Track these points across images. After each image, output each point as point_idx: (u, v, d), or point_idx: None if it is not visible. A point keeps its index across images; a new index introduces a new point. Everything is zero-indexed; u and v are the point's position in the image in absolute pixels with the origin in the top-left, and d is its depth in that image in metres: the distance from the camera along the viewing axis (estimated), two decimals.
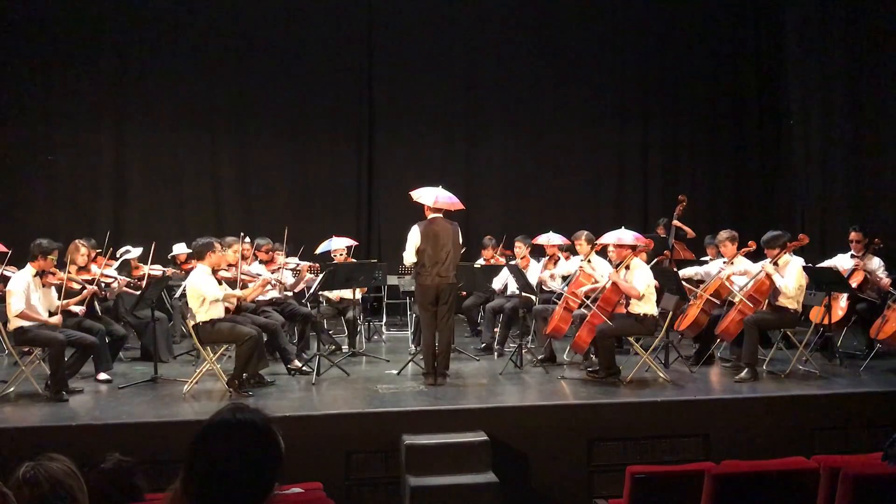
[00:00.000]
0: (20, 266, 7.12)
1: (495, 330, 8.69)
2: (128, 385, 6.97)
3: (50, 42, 11.33)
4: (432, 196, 7.06)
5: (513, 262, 8.60)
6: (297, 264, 8.50)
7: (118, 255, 8.50)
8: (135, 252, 8.58)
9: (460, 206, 7.23)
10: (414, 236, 6.94)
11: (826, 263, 8.21)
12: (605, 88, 12.79)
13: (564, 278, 8.37)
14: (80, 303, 7.25)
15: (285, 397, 6.62)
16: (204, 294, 6.73)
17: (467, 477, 5.59)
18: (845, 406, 6.42)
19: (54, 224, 10.95)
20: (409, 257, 7.01)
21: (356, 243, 9.83)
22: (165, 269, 8.66)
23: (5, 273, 7.47)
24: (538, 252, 9.22)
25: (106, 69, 11.59)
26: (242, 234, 8.15)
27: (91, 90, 11.55)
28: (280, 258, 8.61)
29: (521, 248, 8.90)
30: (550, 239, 8.81)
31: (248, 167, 12.13)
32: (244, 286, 7.48)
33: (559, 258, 8.76)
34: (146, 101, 11.70)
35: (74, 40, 11.42)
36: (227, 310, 7.00)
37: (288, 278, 8.47)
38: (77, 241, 7.67)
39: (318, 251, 9.44)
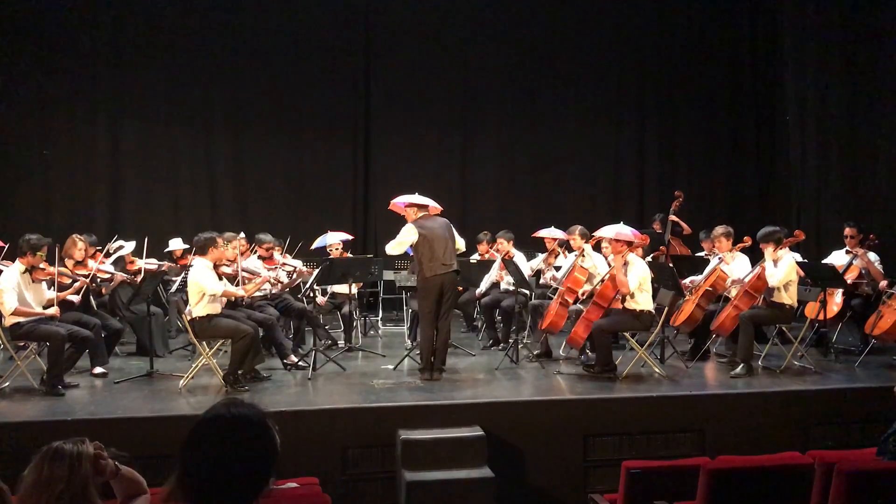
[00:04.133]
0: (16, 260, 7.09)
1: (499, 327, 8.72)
2: (123, 380, 6.97)
3: (45, 36, 11.28)
4: (410, 198, 7.14)
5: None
6: (296, 268, 8.48)
7: (111, 251, 8.48)
8: (128, 247, 8.55)
9: (437, 208, 7.25)
10: (409, 232, 6.92)
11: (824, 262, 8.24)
12: (601, 85, 12.77)
13: (557, 268, 8.38)
14: (76, 292, 7.24)
15: (281, 392, 6.63)
16: (204, 289, 6.71)
17: (463, 472, 5.60)
18: (840, 401, 6.44)
19: (49, 218, 10.95)
20: (394, 248, 6.95)
21: (352, 237, 9.84)
22: (161, 264, 8.64)
23: (0, 267, 7.44)
24: (538, 246, 9.20)
25: (101, 63, 11.55)
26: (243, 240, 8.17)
27: (86, 84, 11.51)
28: (278, 256, 8.60)
29: (503, 244, 8.85)
30: (552, 232, 8.80)
31: (243, 162, 12.11)
32: (244, 282, 7.46)
33: (558, 253, 8.75)
34: (141, 96, 11.66)
35: (70, 34, 11.37)
36: (224, 303, 7.00)
37: (283, 277, 8.47)
38: (74, 235, 7.65)
39: (313, 247, 9.44)
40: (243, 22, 11.88)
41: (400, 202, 7.25)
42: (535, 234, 9.04)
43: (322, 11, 12.02)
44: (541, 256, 8.94)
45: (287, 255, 8.98)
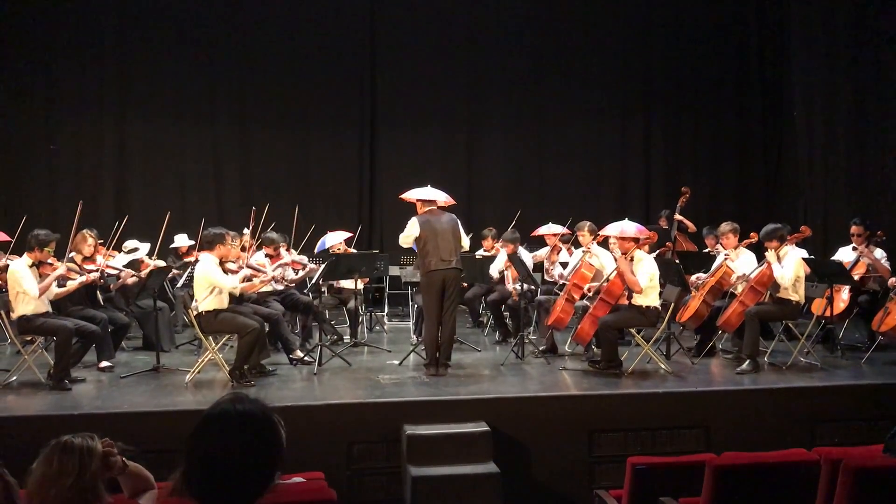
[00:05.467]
0: (22, 255, 7.11)
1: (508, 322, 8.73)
2: (130, 374, 6.99)
3: (52, 32, 11.33)
4: (419, 193, 7.16)
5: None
6: (304, 266, 8.47)
7: (125, 250, 8.50)
8: (143, 250, 8.57)
9: (449, 200, 7.27)
10: (412, 226, 7.00)
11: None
12: (607, 80, 12.75)
13: (564, 265, 8.37)
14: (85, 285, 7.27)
15: (287, 387, 6.64)
16: (216, 282, 6.69)
17: (468, 467, 5.60)
18: (846, 398, 6.42)
19: (55, 213, 10.97)
20: (403, 241, 7.14)
21: (351, 234, 9.82)
22: (171, 267, 8.63)
23: (7, 262, 7.47)
24: (539, 243, 9.20)
25: (108, 59, 11.59)
26: (253, 213, 8.17)
27: (93, 80, 11.55)
28: (285, 254, 8.60)
29: (510, 247, 8.82)
30: (551, 228, 8.80)
31: (250, 158, 12.13)
32: (249, 279, 7.46)
33: (561, 248, 8.74)
34: (148, 92, 11.69)
35: (77, 30, 11.41)
36: (230, 297, 7.00)
37: (291, 275, 8.47)
38: (84, 230, 7.68)
39: (315, 251, 9.41)
40: (249, 17, 11.89)
41: (411, 196, 7.25)
42: (535, 233, 9.04)
43: (327, 6, 12.02)
44: (544, 250, 8.93)
45: (293, 250, 8.97)
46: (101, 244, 8.07)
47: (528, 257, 8.68)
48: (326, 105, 12.18)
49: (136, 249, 8.54)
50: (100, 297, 7.72)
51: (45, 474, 2.44)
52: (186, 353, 8.09)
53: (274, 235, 8.55)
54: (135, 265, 8.35)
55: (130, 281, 8.04)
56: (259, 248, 8.53)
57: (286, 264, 8.42)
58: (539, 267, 8.99)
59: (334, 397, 6.32)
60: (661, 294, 7.37)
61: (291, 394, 6.40)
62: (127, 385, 6.68)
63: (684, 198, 10.19)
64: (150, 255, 8.51)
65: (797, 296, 7.21)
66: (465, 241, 7.22)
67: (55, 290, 6.92)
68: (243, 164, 12.13)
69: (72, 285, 7.07)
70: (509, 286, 8.66)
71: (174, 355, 8.00)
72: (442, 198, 7.18)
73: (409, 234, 7.02)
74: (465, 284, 9.19)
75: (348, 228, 9.67)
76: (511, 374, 7.12)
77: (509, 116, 12.67)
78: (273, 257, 8.43)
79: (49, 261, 6.85)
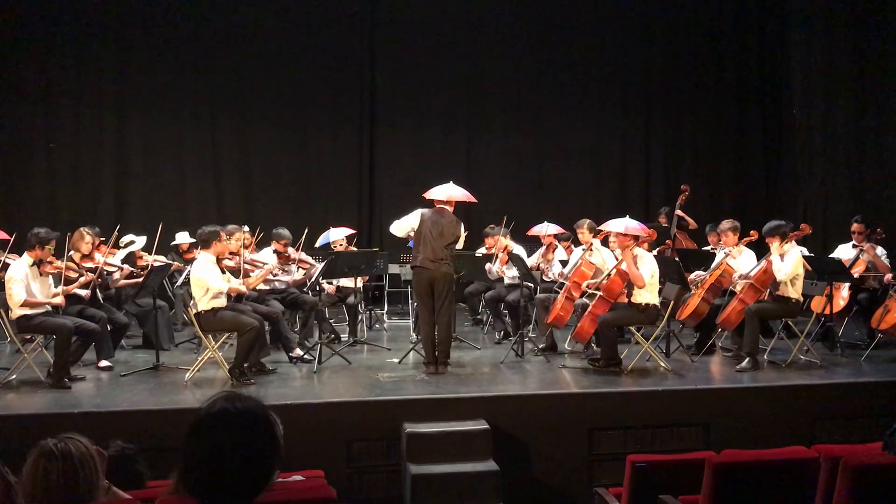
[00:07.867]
0: (22, 254, 7.11)
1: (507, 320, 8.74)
2: (130, 373, 6.99)
3: (51, 29, 11.30)
4: (444, 192, 7.14)
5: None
6: (311, 265, 8.45)
7: (122, 245, 8.49)
8: (138, 242, 8.57)
9: (471, 199, 7.32)
10: (413, 217, 7.03)
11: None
12: (607, 78, 12.73)
13: (563, 263, 8.37)
14: (85, 286, 7.26)
15: (287, 385, 6.64)
16: (208, 285, 6.72)
17: (468, 465, 5.61)
18: (846, 396, 6.43)
19: (55, 212, 10.97)
20: (396, 228, 7.15)
21: (355, 231, 9.82)
22: (170, 263, 8.61)
23: (6, 260, 7.46)
24: (535, 243, 9.20)
25: (107, 56, 11.56)
26: (246, 227, 8.19)
27: (92, 77, 11.51)
28: (292, 252, 8.57)
29: (501, 240, 8.81)
30: (547, 229, 8.78)
31: (249, 156, 12.10)
32: (247, 275, 7.46)
33: (556, 248, 8.73)
34: (147, 89, 11.66)
35: (75, 26, 11.38)
36: (228, 296, 7.01)
37: (297, 274, 8.45)
38: (82, 228, 7.68)
39: (317, 244, 9.40)
40: (249, 15, 11.86)
41: (435, 195, 7.21)
42: (529, 233, 9.03)
43: (327, 4, 12.00)
44: (535, 256, 8.91)
45: (300, 251, 8.94)
46: (102, 242, 8.06)
47: (521, 252, 8.67)
48: (326, 103, 12.15)
49: (132, 242, 8.54)
50: (99, 295, 7.72)
51: (33, 493, 2.41)
52: (186, 352, 8.09)
53: (283, 231, 8.50)
54: (130, 259, 8.34)
55: (124, 283, 8.01)
56: (259, 244, 8.51)
57: (293, 261, 8.39)
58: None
59: (334, 395, 6.33)
60: (660, 292, 7.38)
61: (291, 392, 6.40)
62: (127, 383, 6.68)
63: (684, 196, 10.19)
64: (145, 249, 8.48)
65: (796, 294, 7.22)
66: (461, 243, 7.24)
67: (54, 290, 6.91)
68: (243, 162, 12.10)
69: (71, 287, 7.07)
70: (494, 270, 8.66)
71: (174, 354, 8.00)
72: (467, 196, 7.22)
73: (407, 224, 7.04)
74: (463, 281, 9.20)
75: (345, 225, 9.63)
76: (511, 372, 7.12)
77: (508, 114, 12.65)
78: (281, 254, 8.42)
79: (49, 259, 6.85)
